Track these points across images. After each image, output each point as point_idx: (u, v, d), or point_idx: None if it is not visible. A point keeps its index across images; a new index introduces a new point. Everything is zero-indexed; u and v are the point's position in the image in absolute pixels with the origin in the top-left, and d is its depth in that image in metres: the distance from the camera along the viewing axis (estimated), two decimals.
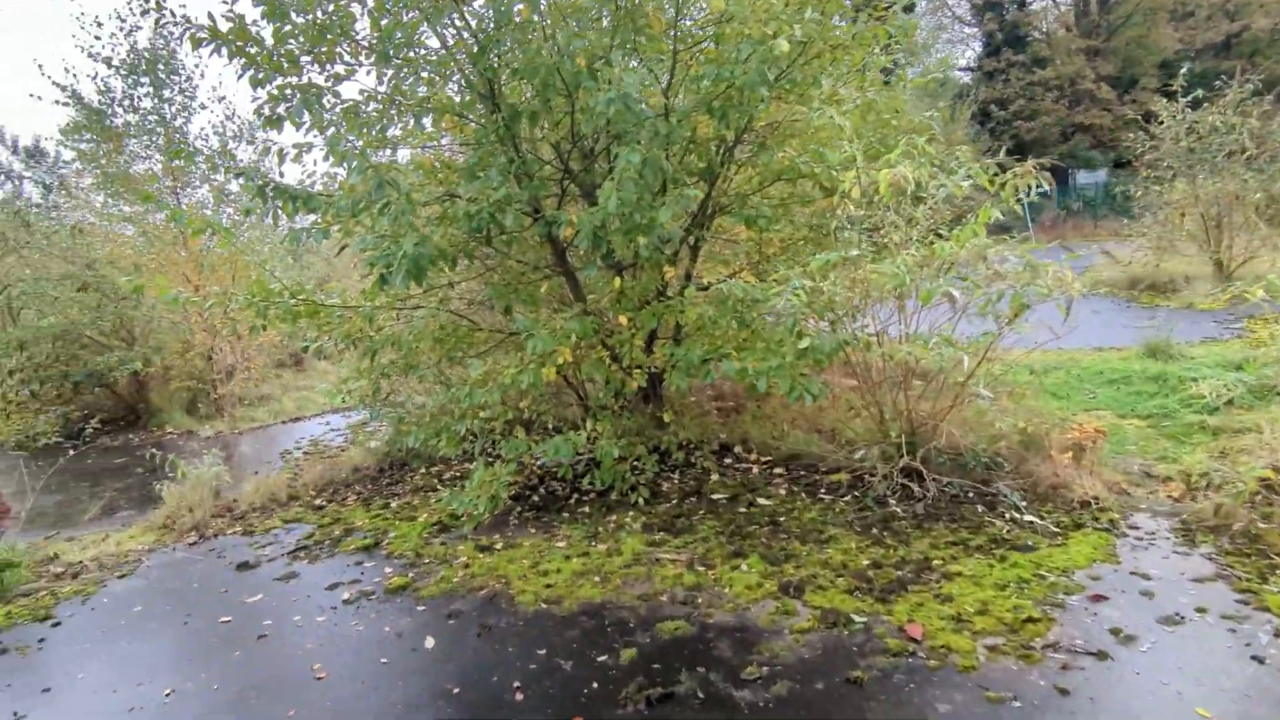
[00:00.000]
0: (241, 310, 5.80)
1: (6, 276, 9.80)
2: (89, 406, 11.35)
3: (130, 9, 10.29)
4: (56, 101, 10.23)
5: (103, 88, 10.60)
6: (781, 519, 4.97)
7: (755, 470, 6.08)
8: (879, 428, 5.48)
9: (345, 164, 4.59)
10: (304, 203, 5.04)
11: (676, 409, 6.85)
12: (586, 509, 5.56)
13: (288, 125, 5.31)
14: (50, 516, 6.83)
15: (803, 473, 5.89)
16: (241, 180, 5.66)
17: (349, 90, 6.65)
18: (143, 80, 10.70)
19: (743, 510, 5.21)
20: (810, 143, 5.26)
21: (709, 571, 4.29)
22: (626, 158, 3.89)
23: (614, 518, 5.29)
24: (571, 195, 5.92)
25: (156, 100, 10.96)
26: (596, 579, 4.33)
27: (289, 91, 5.01)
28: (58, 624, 4.42)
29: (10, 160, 32.96)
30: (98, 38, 10.35)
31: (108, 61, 10.49)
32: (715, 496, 5.54)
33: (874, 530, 4.64)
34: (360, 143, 4.79)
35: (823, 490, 5.46)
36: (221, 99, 11.19)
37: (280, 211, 5.30)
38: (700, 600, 3.97)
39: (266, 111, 5.19)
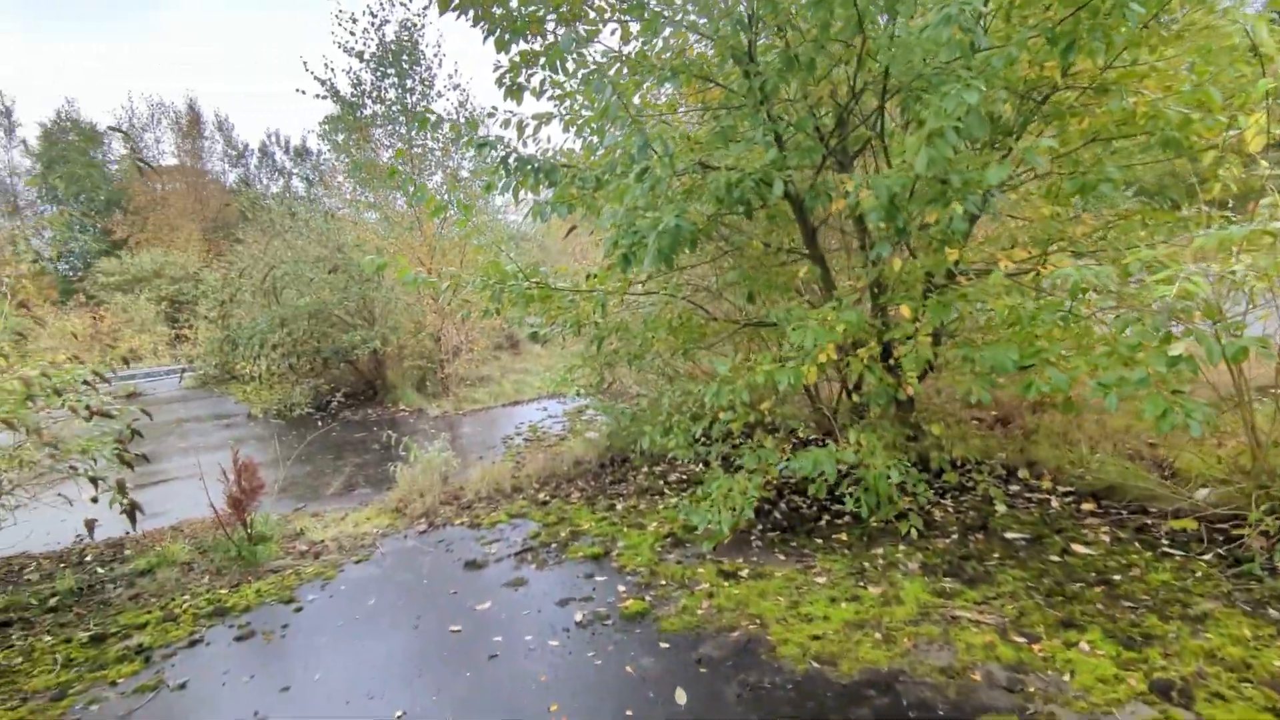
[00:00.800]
0: (476, 293, 5.55)
1: (273, 258, 10.73)
2: (334, 380, 12.24)
3: (381, 3, 10.80)
4: (317, 95, 11.04)
5: (355, 80, 11.27)
6: (1115, 578, 3.80)
7: (1055, 504, 4.88)
8: (1253, 461, 4.09)
9: (600, 125, 4.04)
10: (546, 175, 4.60)
11: (941, 420, 5.77)
12: (843, 535, 4.69)
13: (527, 98, 4.93)
14: (299, 488, 7.13)
15: (1125, 514, 4.60)
16: (478, 157, 5.37)
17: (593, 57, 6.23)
18: (389, 71, 11.24)
19: (1054, 559, 4.08)
20: (1172, 81, 3.95)
21: (1033, 646, 3.26)
22: (958, 96, 2.94)
23: (880, 551, 4.38)
24: (827, 166, 5.03)
25: (400, 90, 11.47)
26: (877, 635, 3.47)
27: (532, 55, 4.59)
28: (300, 609, 4.33)
29: (283, 159, 37.81)
30: (352, 33, 10.99)
31: (360, 55, 11.12)
32: (1009, 535, 4.44)
33: (1272, 611, 3.36)
34: (616, 96, 4.21)
35: (1163, 541, 4.18)
36: (456, 86, 11.45)
37: (520, 187, 4.94)
38: (1032, 689, 2.97)
39: (508, 81, 4.82)
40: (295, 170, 36.31)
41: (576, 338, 6.28)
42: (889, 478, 4.22)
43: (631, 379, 8.17)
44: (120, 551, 5.75)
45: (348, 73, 11.33)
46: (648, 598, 4.07)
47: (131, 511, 4.82)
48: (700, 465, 6.51)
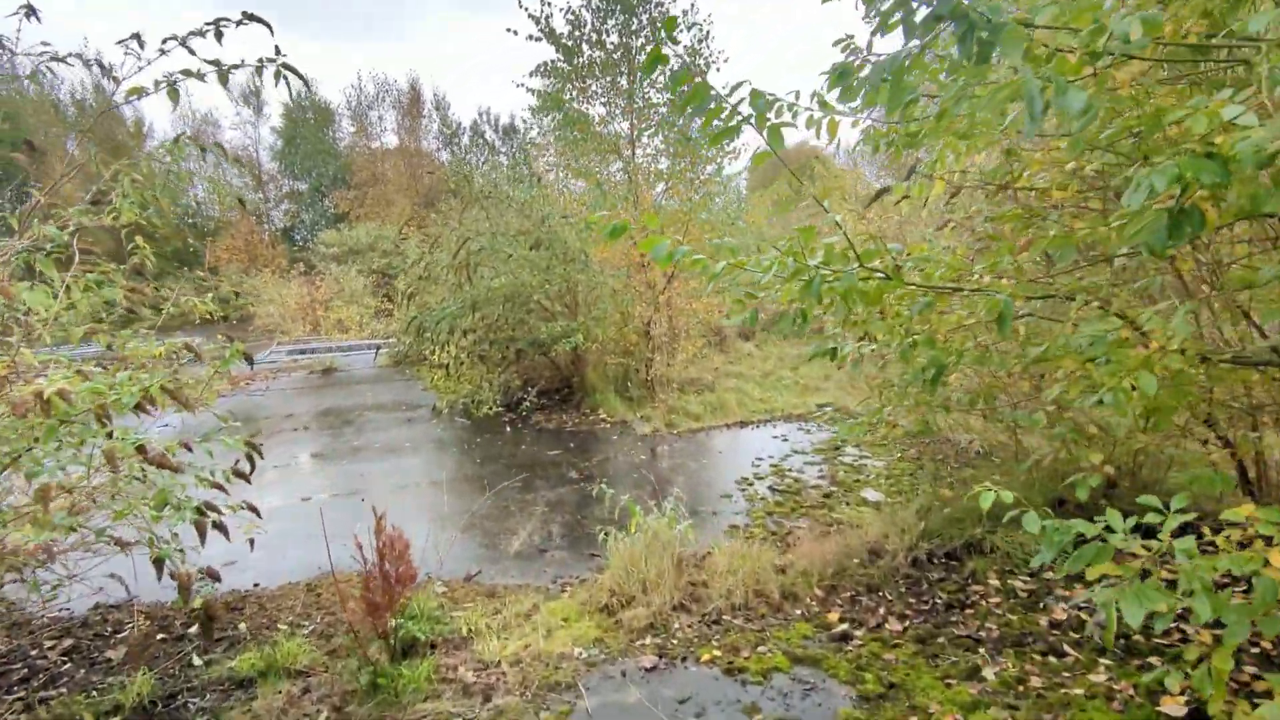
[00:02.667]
0: (768, 285, 3.24)
1: (468, 230, 9.17)
2: (528, 374, 10.60)
3: None
4: (530, 37, 9.33)
5: (573, 20, 9.41)
6: None
7: None
8: None
9: None
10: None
11: None
12: None
13: None
14: (476, 532, 5.27)
15: None
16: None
17: None
18: (614, 8, 9.28)
19: None
20: None
21: None
22: None
23: None
24: None
25: (623, 34, 9.48)
26: None
27: None
28: None
29: (492, 137, 38.19)
30: None
31: None
32: None
33: None
34: None
35: None
36: (691, 26, 9.31)
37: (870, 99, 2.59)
38: None
39: None
40: (504, 150, 36.46)
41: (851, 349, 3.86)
42: None
43: (976, 427, 5.61)
44: (226, 628, 4.09)
45: (565, 12, 9.51)
46: None
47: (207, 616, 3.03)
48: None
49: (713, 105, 2.63)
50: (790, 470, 6.52)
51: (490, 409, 9.28)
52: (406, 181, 33.23)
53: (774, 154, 2.85)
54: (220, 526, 3.18)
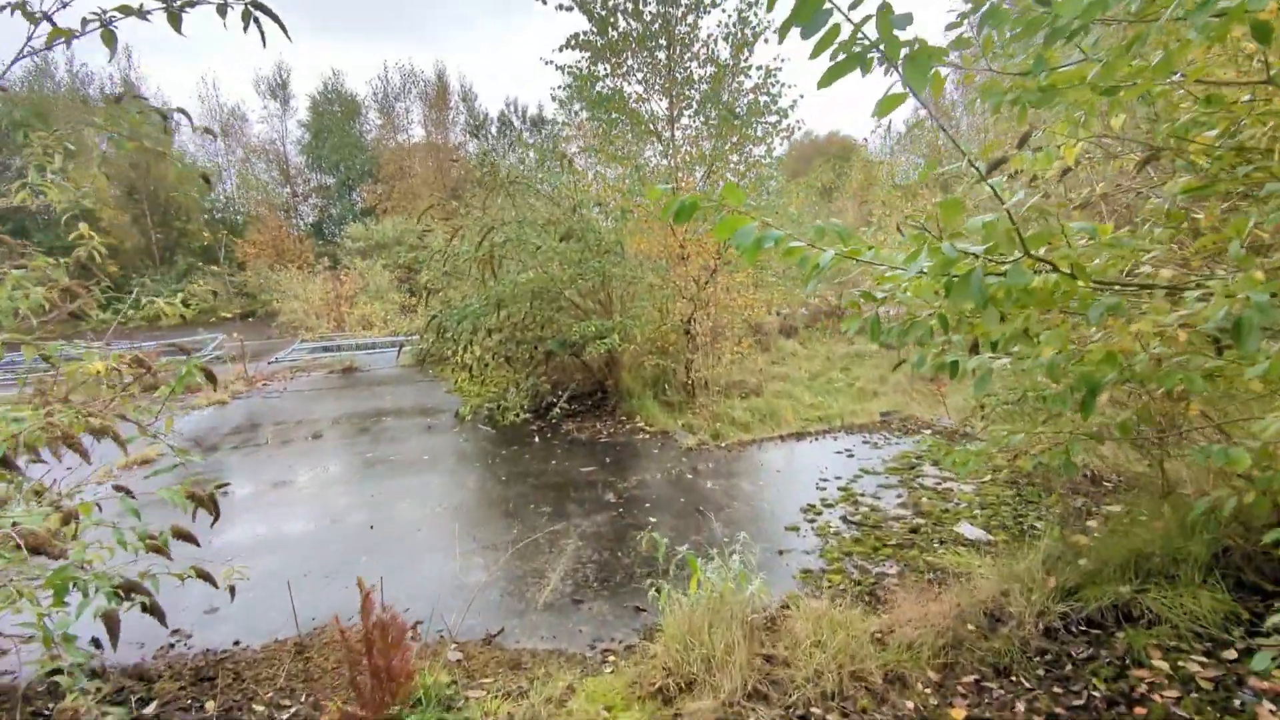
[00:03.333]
0: (886, 272, 2.35)
1: (493, 219, 8.35)
2: (557, 377, 9.79)
3: None
4: (559, 6, 8.47)
5: None
6: None
7: None
8: None
9: None
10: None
11: None
12: None
13: None
14: (499, 579, 4.44)
15: None
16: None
17: None
18: None
19: None
20: None
21: None
22: None
23: None
24: None
25: (662, 1, 8.57)
26: None
27: None
28: None
29: (521, 127, 37.45)
30: None
31: None
32: None
33: None
34: None
35: None
36: None
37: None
38: None
39: None
40: (532, 140, 35.75)
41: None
42: None
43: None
44: (189, 707, 3.30)
45: None
46: None
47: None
48: None
49: (828, 25, 1.76)
50: (863, 495, 5.60)
51: (517, 416, 8.47)
52: (433, 175, 32.66)
53: (917, 99, 1.99)
54: (154, 610, 2.37)
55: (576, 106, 9.37)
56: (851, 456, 6.63)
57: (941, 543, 4.60)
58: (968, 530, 4.74)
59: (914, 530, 4.83)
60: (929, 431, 7.29)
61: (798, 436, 7.45)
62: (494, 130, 36.66)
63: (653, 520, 5.27)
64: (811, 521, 5.11)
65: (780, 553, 4.62)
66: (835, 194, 20.35)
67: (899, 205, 13.06)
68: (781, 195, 9.00)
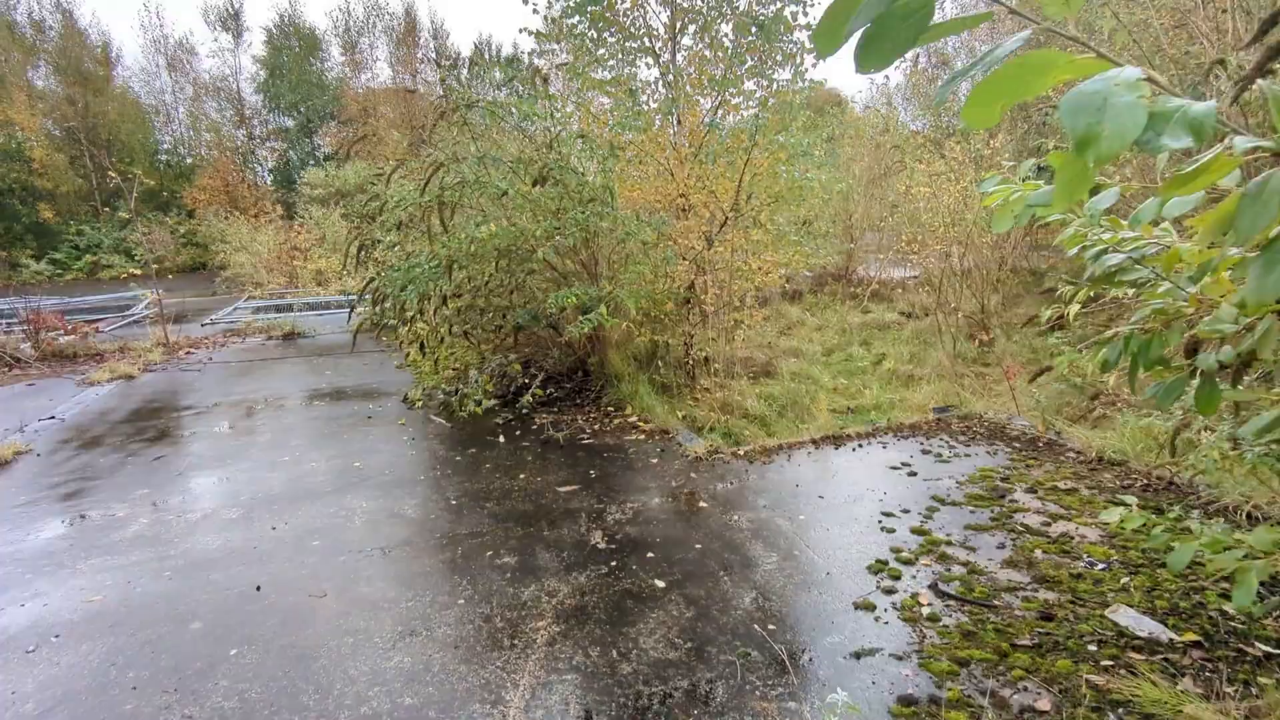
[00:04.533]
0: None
1: (449, 154, 6.51)
2: (529, 351, 8.10)
3: None
4: None
5: None
6: None
7: None
8: None
9: None
10: None
11: None
12: None
13: None
14: (432, 707, 2.83)
15: None
16: None
17: None
18: None
19: None
20: None
21: None
22: None
23: None
24: None
25: None
26: None
27: None
28: None
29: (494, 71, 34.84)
30: None
31: None
32: None
33: None
34: None
35: None
36: None
37: None
38: None
39: None
40: (504, 86, 33.27)
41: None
42: None
43: None
44: None
45: None
46: None
47: None
48: None
49: None
50: (949, 542, 4.04)
51: (479, 405, 6.81)
52: (401, 119, 30.20)
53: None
54: None
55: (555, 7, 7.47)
56: (913, 475, 5.06)
57: (1099, 643, 3.06)
58: (1130, 619, 3.19)
59: (1047, 616, 3.28)
60: (1003, 443, 5.74)
61: (834, 441, 5.86)
62: (464, 73, 34.05)
63: (658, 584, 3.69)
64: (890, 592, 3.55)
65: (856, 656, 3.05)
66: (835, 143, 18.55)
67: (926, 157, 11.36)
68: (813, 130, 7.23)
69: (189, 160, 31.16)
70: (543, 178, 6.28)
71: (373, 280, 6.87)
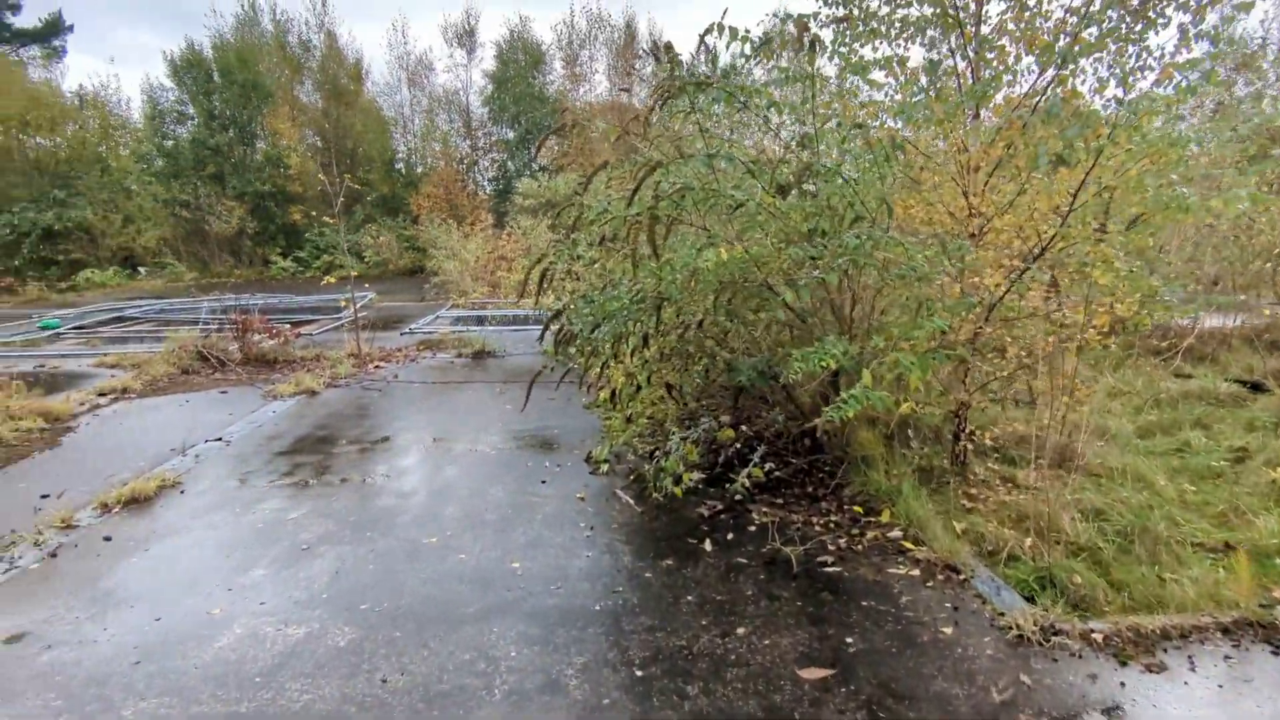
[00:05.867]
0: None
1: (666, 153, 4.92)
2: (747, 407, 6.32)
3: None
4: None
5: None
6: None
7: None
8: None
9: None
10: None
11: None
12: None
13: None
14: None
15: None
16: None
17: None
18: None
19: None
20: None
21: None
22: None
23: None
24: None
25: None
26: None
27: None
28: None
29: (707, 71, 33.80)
30: None
31: None
32: None
33: None
34: None
35: None
36: None
37: None
38: None
39: None
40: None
41: None
42: None
43: None
44: None
45: None
46: None
47: None
48: None
49: None
50: None
51: (680, 481, 5.14)
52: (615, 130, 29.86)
53: None
54: None
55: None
56: None
57: None
58: None
59: None
60: None
61: (1257, 633, 3.48)
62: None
63: None
64: None
65: None
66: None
67: None
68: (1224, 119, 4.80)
69: (419, 169, 32.93)
70: (787, 187, 4.48)
71: (558, 314, 5.45)
